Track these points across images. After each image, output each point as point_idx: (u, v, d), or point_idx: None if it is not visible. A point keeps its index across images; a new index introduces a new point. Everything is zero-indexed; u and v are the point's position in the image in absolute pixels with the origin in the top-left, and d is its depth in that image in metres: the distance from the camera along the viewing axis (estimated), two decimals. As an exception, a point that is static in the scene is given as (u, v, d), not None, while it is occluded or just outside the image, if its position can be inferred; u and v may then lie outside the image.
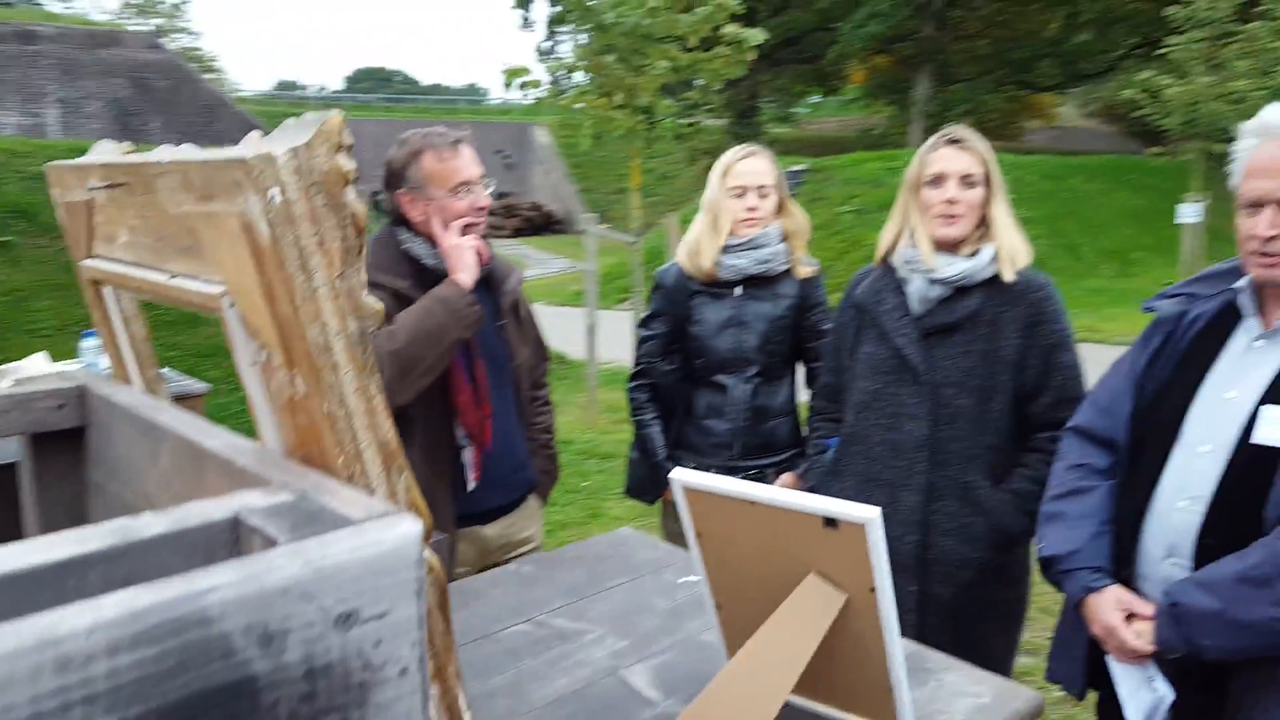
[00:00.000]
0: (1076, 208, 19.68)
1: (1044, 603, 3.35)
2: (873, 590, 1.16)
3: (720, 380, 2.74)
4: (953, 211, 2.15)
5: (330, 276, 0.83)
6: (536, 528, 2.58)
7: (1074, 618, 1.84)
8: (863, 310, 2.31)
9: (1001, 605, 2.25)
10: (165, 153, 0.91)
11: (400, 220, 2.28)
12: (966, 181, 2.16)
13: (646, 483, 2.94)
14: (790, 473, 2.79)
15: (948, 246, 2.19)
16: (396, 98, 56.06)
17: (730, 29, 7.24)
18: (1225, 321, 1.75)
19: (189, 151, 0.89)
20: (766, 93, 35.31)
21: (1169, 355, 1.79)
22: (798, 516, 1.17)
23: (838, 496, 2.27)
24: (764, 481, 2.79)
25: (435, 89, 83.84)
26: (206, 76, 29.12)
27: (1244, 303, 1.72)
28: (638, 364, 2.88)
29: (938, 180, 2.16)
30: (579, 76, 8.00)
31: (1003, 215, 2.21)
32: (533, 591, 1.84)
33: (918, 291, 2.20)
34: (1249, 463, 1.59)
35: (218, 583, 0.51)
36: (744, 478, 2.73)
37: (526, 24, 38.66)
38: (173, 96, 22.00)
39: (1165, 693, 1.65)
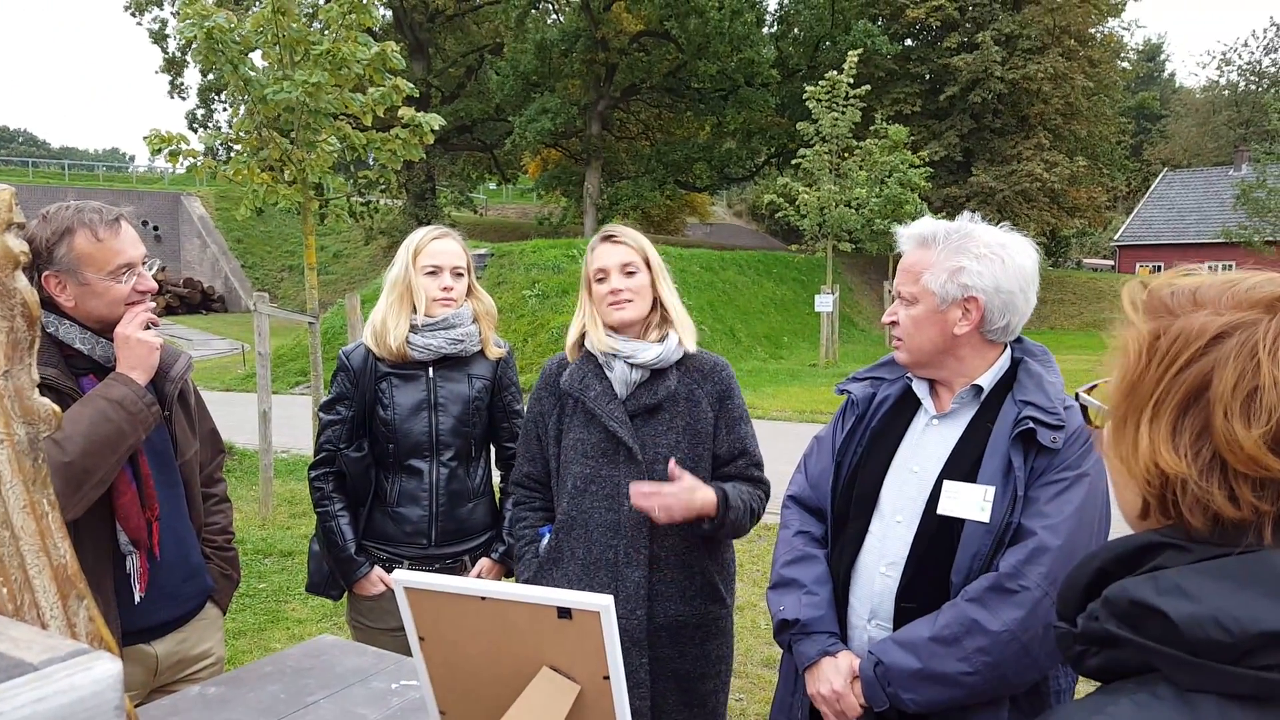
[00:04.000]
0: (733, 296, 21.74)
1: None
2: (606, 678, 1.15)
3: (414, 464, 2.64)
4: (620, 299, 2.30)
5: (-7, 373, 0.69)
6: (216, 640, 2.30)
7: (792, 682, 1.95)
8: (566, 397, 2.35)
9: (716, 661, 2.36)
10: None
11: (45, 303, 1.98)
12: (626, 270, 2.32)
13: (330, 578, 2.74)
14: (488, 558, 2.74)
15: (628, 330, 2.32)
16: (20, 160, 49.41)
17: (406, 112, 7.24)
18: (908, 402, 1.97)
19: None
20: (443, 177, 35.63)
21: (862, 433, 1.99)
22: (530, 609, 1.14)
23: (559, 583, 2.29)
24: (462, 571, 2.71)
25: (67, 152, 75.15)
26: None
27: (918, 388, 1.95)
28: (320, 450, 2.69)
29: (602, 275, 2.31)
30: (238, 147, 7.52)
31: (671, 295, 2.40)
32: (223, 715, 1.63)
33: (620, 376, 2.30)
34: (936, 531, 1.78)
35: None
36: (440, 566, 2.66)
37: (176, 90, 36.04)
38: None
39: None
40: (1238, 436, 0.78)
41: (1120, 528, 2.06)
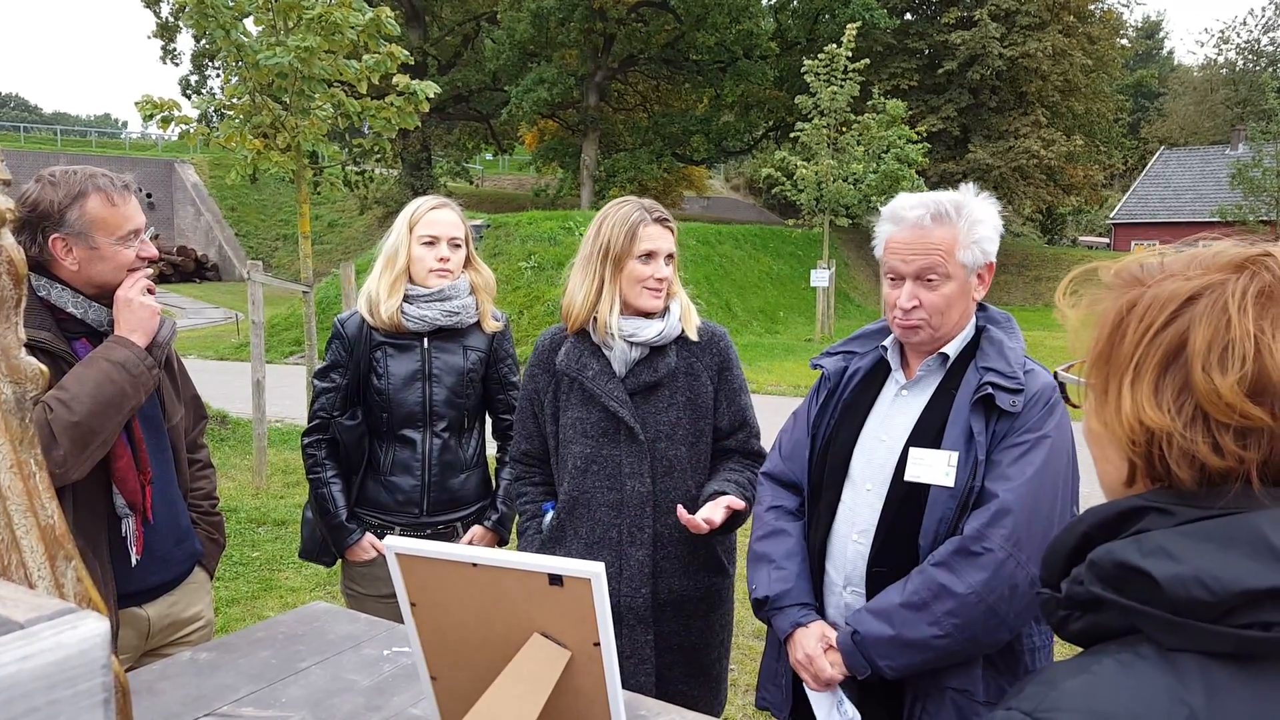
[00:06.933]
0: (730, 270, 21.69)
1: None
2: (596, 644, 1.15)
3: (407, 434, 2.64)
4: (661, 286, 2.26)
5: (-21, 331, 0.69)
6: (205, 604, 2.32)
7: (778, 650, 1.99)
8: (563, 376, 2.32)
9: (719, 630, 2.38)
10: None
11: (34, 265, 1.98)
12: (671, 259, 2.29)
13: (323, 544, 2.75)
14: (480, 525, 2.75)
15: (646, 314, 2.28)
16: (11, 125, 49.01)
17: (402, 80, 7.17)
18: (879, 373, 2.00)
19: None
20: (439, 146, 35.39)
21: (834, 405, 2.02)
22: (521, 576, 1.14)
23: (560, 559, 2.29)
24: (453, 537, 2.72)
25: (60, 117, 74.51)
26: None
27: (891, 358, 1.98)
28: (313, 418, 2.69)
29: (650, 257, 2.25)
30: (230, 112, 7.46)
31: (677, 278, 2.37)
32: (214, 680, 1.63)
33: (620, 355, 2.27)
34: (904, 498, 1.82)
35: None
36: (432, 533, 2.67)
37: (169, 56, 35.61)
38: None
39: (853, 715, 1.82)
40: (1216, 386, 0.81)
41: (1088, 486, 2.06)
